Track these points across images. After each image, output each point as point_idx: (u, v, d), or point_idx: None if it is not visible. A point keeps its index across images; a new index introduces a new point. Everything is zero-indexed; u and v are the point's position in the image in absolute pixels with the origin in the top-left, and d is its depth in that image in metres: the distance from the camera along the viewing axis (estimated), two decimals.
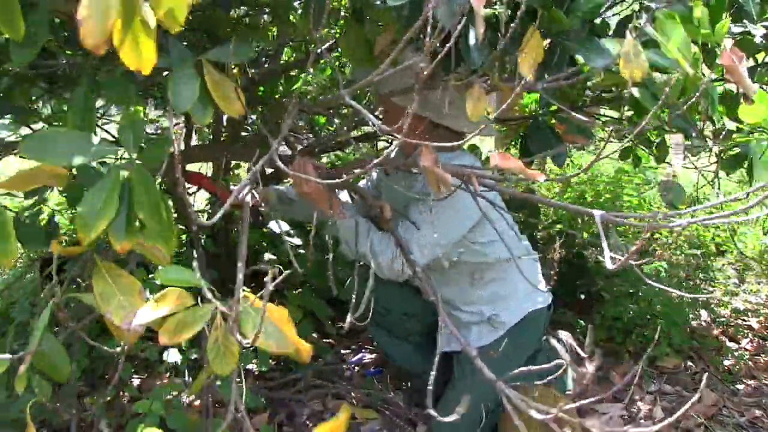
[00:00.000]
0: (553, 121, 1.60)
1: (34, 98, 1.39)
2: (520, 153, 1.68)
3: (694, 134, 1.18)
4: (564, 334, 1.99)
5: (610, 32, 1.24)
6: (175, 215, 2.37)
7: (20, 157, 1.35)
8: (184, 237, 2.42)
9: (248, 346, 0.72)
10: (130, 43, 0.65)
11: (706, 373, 2.04)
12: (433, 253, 1.51)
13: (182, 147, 1.81)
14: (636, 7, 1.25)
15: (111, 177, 0.82)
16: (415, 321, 1.80)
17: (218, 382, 1.74)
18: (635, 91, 1.09)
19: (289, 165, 1.44)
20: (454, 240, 1.52)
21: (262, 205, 1.74)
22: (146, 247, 0.86)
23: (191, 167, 1.83)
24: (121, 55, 0.65)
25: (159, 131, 2.37)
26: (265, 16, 1.71)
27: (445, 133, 1.56)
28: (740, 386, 2.00)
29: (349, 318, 1.01)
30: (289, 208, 1.80)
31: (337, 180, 1.02)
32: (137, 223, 0.83)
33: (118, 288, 0.86)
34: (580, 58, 1.09)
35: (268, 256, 2.20)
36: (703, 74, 1.06)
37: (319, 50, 1.07)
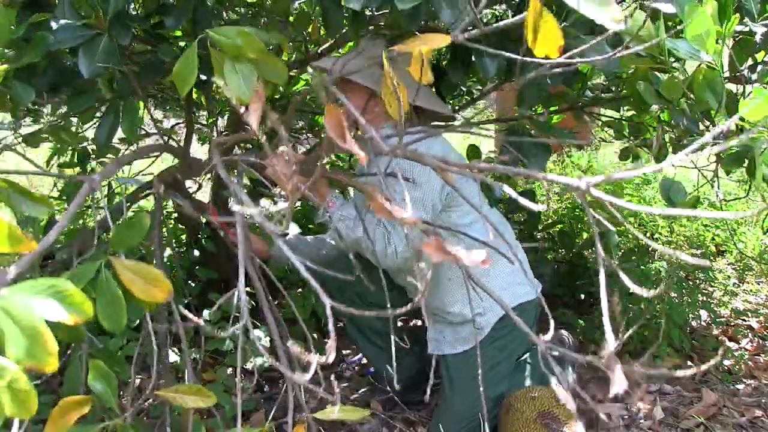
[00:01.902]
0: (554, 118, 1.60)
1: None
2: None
3: (695, 132, 1.18)
4: (564, 333, 1.99)
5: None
6: (176, 216, 2.38)
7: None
8: (183, 237, 2.42)
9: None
10: None
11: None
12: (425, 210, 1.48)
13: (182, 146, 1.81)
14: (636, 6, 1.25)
15: None
16: (373, 307, 1.71)
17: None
18: (638, 86, 1.09)
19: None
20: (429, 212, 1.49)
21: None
22: None
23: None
24: None
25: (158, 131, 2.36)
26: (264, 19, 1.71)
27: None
28: (740, 386, 2.00)
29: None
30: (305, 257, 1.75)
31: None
32: None
33: None
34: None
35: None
36: (717, 69, 1.05)
37: (319, 50, 1.08)
